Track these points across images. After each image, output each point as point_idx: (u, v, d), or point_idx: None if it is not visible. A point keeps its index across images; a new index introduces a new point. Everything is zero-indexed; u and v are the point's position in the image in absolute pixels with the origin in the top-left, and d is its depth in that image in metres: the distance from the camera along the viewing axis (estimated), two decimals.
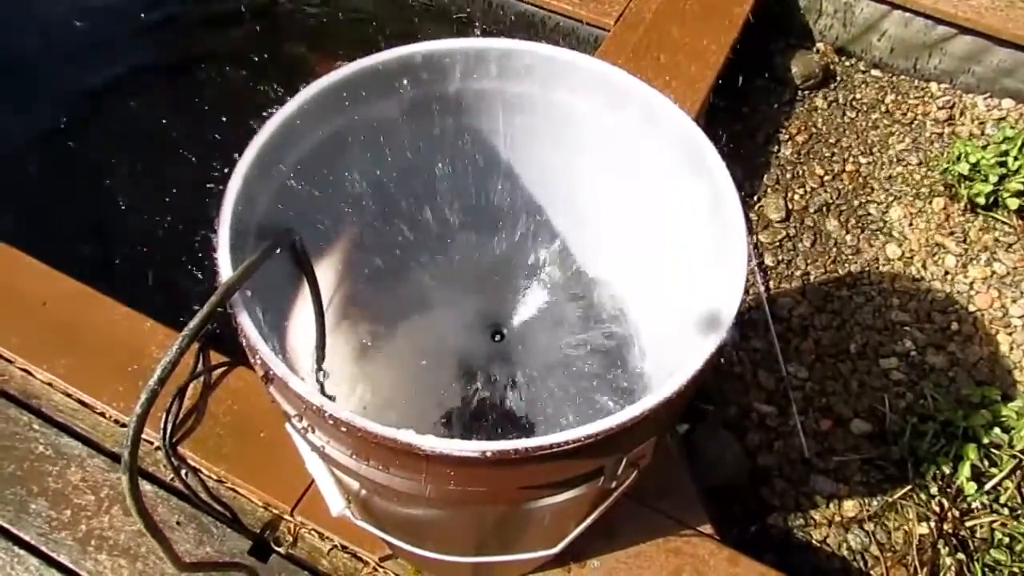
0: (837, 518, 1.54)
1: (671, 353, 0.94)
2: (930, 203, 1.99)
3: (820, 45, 2.31)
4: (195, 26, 2.43)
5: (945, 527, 1.50)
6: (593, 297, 1.14)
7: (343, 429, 0.63)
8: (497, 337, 1.16)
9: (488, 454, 0.61)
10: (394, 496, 0.75)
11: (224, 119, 1.70)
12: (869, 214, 1.98)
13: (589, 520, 0.91)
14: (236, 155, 0.77)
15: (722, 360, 1.72)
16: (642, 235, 1.02)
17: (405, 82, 0.88)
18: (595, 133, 0.96)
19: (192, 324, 0.62)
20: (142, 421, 0.62)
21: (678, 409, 0.77)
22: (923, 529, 1.51)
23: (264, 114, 0.79)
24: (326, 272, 0.97)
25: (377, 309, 1.10)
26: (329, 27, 2.40)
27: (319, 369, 0.92)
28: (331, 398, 0.64)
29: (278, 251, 0.77)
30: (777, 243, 1.92)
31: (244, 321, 0.66)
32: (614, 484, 0.81)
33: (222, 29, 2.39)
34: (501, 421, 1.12)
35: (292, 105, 0.80)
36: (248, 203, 0.76)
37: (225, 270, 0.68)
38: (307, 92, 0.81)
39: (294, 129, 0.81)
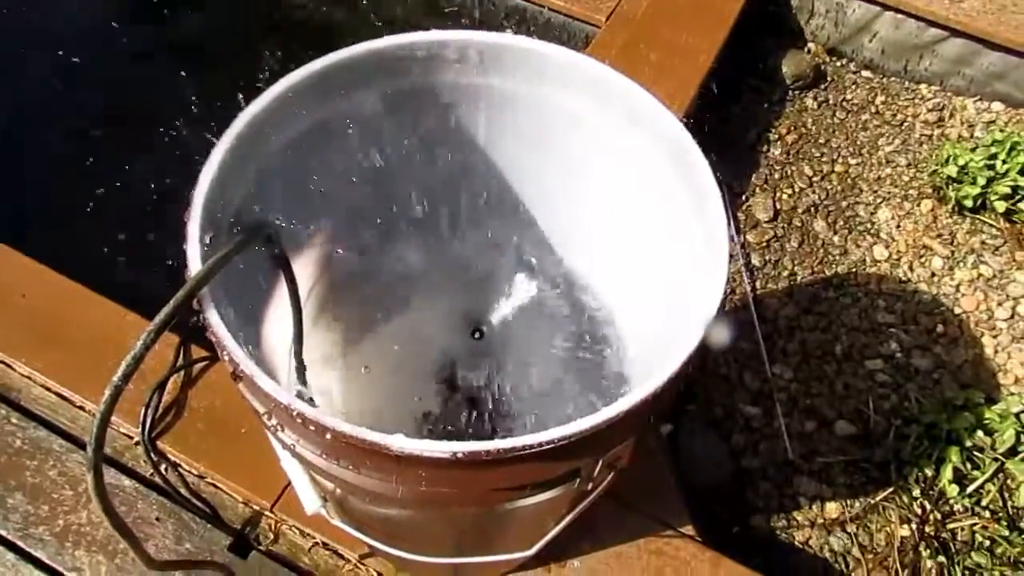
0: (820, 520, 1.54)
1: (652, 352, 0.93)
2: (918, 205, 1.99)
3: (811, 45, 2.30)
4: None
5: (927, 529, 1.50)
6: (575, 295, 1.13)
7: (312, 428, 0.62)
8: (477, 335, 1.15)
9: (459, 455, 0.60)
10: (367, 496, 0.74)
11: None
12: (857, 215, 1.98)
13: (565, 522, 0.90)
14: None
15: (707, 360, 1.72)
16: (625, 233, 1.01)
17: (383, 75, 0.86)
18: (580, 130, 0.95)
19: (157, 320, 0.60)
20: (106, 418, 0.60)
21: (655, 411, 0.77)
22: (905, 531, 1.51)
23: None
24: (304, 267, 0.96)
25: (356, 306, 1.09)
26: (315, 18, 2.38)
27: (297, 367, 0.91)
28: (309, 398, 0.63)
29: (252, 245, 0.76)
30: (765, 243, 1.92)
31: (212, 317, 0.65)
32: (591, 486, 0.80)
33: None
34: (480, 419, 1.12)
35: (267, 96, 0.78)
36: (221, 195, 0.75)
37: (194, 264, 0.67)
38: (283, 83, 0.79)
39: (269, 121, 0.79)
